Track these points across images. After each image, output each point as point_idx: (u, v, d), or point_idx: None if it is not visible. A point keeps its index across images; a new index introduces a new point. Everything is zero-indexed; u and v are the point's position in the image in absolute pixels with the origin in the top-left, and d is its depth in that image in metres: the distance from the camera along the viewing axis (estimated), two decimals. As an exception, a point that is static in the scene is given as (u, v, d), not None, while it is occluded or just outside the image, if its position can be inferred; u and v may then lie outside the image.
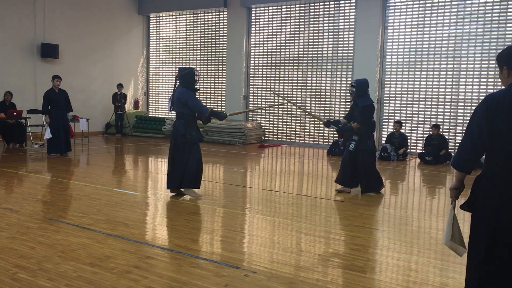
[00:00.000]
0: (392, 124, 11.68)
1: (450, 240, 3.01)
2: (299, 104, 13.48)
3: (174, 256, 4.22)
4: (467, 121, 11.65)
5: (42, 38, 13.58)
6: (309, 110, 12.85)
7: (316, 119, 11.36)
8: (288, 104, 12.96)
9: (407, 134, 11.62)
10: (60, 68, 14.06)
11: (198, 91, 7.35)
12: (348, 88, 12.74)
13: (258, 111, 14.62)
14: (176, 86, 6.72)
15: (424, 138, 11.33)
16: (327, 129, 13.43)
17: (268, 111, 14.51)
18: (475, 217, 2.90)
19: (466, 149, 2.85)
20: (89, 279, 3.62)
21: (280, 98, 13.41)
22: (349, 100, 12.86)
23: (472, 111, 2.82)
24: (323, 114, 13.45)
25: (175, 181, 6.59)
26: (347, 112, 7.49)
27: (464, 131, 11.21)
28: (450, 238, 3.00)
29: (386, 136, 11.88)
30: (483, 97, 11.51)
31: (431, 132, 11.06)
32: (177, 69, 6.91)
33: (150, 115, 16.47)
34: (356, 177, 7.12)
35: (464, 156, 2.87)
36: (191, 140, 6.49)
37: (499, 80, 11.10)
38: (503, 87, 2.90)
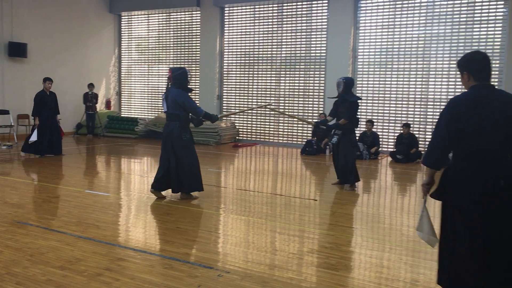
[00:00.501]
0: (364, 123, 11.83)
1: (422, 231, 3.27)
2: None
3: (146, 258, 4.17)
4: (436, 120, 12.00)
5: (10, 36, 13.22)
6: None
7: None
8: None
9: (378, 133, 11.80)
10: (28, 68, 13.74)
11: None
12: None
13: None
14: (169, 86, 6.53)
15: (395, 137, 11.52)
16: (302, 128, 13.52)
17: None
18: (444, 207, 3.16)
19: (435, 148, 3.09)
20: (59, 283, 3.55)
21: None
22: (322, 99, 12.98)
23: (440, 111, 3.06)
24: (296, 113, 13.53)
25: (163, 184, 6.46)
26: (330, 109, 7.63)
27: (433, 131, 11.48)
28: (422, 229, 3.27)
29: (358, 135, 12.02)
30: (451, 96, 11.77)
31: (402, 131, 11.25)
32: (169, 68, 6.76)
33: (122, 115, 16.24)
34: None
35: (434, 155, 3.12)
36: (186, 143, 6.35)
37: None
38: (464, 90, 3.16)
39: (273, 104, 13.80)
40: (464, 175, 2.98)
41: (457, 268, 3.01)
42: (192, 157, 6.39)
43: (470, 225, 2.94)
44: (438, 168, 3.14)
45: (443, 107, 11.41)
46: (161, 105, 12.09)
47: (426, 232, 3.23)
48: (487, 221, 2.90)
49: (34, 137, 9.90)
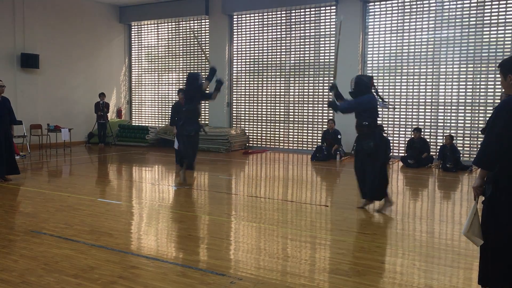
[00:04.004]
0: (375, 128, 11.77)
1: (468, 232, 3.21)
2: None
3: (159, 265, 4.19)
4: (448, 124, 11.85)
5: (22, 48, 13.42)
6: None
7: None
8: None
9: (389, 138, 11.73)
10: (41, 78, 13.94)
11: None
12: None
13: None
14: None
15: (406, 142, 11.46)
16: (312, 135, 13.50)
17: (253, 118, 14.53)
18: (497, 213, 3.12)
19: (491, 149, 3.06)
20: (73, 291, 3.58)
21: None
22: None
23: (490, 114, 3.13)
24: (306, 119, 13.53)
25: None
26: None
27: (444, 134, 11.31)
28: (470, 230, 3.21)
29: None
30: (462, 100, 11.53)
31: (412, 136, 11.20)
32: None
33: (133, 124, 16.36)
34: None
35: (489, 156, 3.08)
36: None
37: (477, 83, 11.38)
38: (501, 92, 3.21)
39: (283, 111, 13.83)
40: None
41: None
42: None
43: None
44: (492, 169, 3.11)
45: (454, 111, 11.23)
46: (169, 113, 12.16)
47: (476, 235, 3.21)
48: None
49: None
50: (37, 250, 4.56)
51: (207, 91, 8.63)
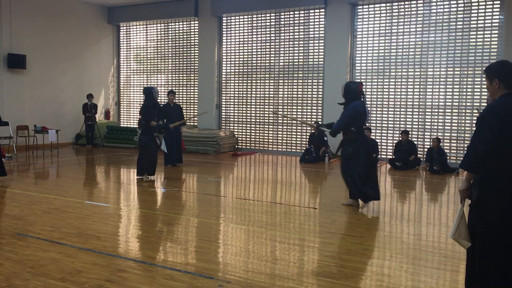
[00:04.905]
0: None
1: (455, 235, 3.27)
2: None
3: (147, 269, 4.17)
4: (435, 127, 11.94)
5: (9, 48, 13.28)
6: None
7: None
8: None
9: (377, 140, 11.82)
10: (28, 79, 13.80)
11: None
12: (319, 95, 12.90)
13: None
14: None
15: (394, 144, 11.55)
16: (301, 137, 13.54)
17: (242, 120, 14.53)
18: (485, 215, 3.17)
19: (477, 152, 3.12)
20: (60, 295, 3.55)
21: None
22: (320, 107, 13.02)
23: (476, 118, 3.20)
24: (295, 121, 13.56)
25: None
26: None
27: (431, 137, 11.42)
28: (457, 233, 3.26)
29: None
30: (449, 103, 11.65)
31: (400, 138, 11.28)
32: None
33: (121, 125, 16.26)
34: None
35: (476, 159, 3.13)
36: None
37: (464, 86, 11.50)
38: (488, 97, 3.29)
39: (272, 112, 13.86)
40: (508, 179, 3.07)
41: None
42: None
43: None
44: (478, 172, 3.16)
45: (441, 113, 11.34)
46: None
47: (463, 237, 3.25)
48: None
49: None
50: (23, 254, 4.51)
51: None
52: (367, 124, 6.81)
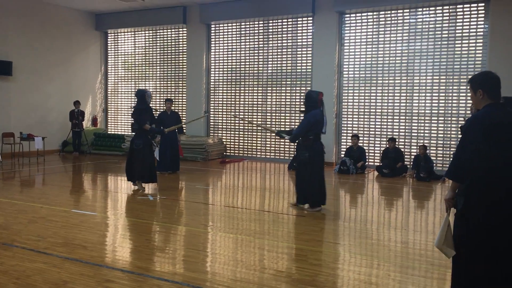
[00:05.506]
0: (350, 138, 11.93)
1: (442, 244, 3.29)
2: (259, 122, 13.68)
3: (134, 279, 4.14)
4: (421, 134, 12.04)
5: (-6, 54, 13.15)
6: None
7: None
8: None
9: (364, 148, 11.91)
10: (14, 86, 13.66)
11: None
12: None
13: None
14: None
15: (381, 151, 11.63)
16: (289, 144, 13.57)
17: (230, 127, 14.54)
18: (469, 221, 3.21)
19: (462, 162, 3.17)
20: (45, 307, 3.51)
21: (238, 119, 13.66)
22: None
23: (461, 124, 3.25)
24: (284, 128, 13.59)
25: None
26: None
27: (418, 144, 11.51)
28: (443, 242, 3.29)
29: (345, 150, 12.14)
30: (435, 111, 11.74)
31: (387, 145, 11.38)
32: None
33: (109, 132, 16.16)
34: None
35: (461, 168, 3.18)
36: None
37: (450, 94, 11.64)
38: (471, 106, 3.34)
39: (260, 120, 13.88)
40: (493, 188, 3.11)
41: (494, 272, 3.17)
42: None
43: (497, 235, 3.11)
44: (463, 181, 3.20)
45: (427, 121, 11.45)
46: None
47: (448, 246, 3.28)
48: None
49: None
50: (8, 264, 4.45)
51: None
52: (323, 132, 7.05)
